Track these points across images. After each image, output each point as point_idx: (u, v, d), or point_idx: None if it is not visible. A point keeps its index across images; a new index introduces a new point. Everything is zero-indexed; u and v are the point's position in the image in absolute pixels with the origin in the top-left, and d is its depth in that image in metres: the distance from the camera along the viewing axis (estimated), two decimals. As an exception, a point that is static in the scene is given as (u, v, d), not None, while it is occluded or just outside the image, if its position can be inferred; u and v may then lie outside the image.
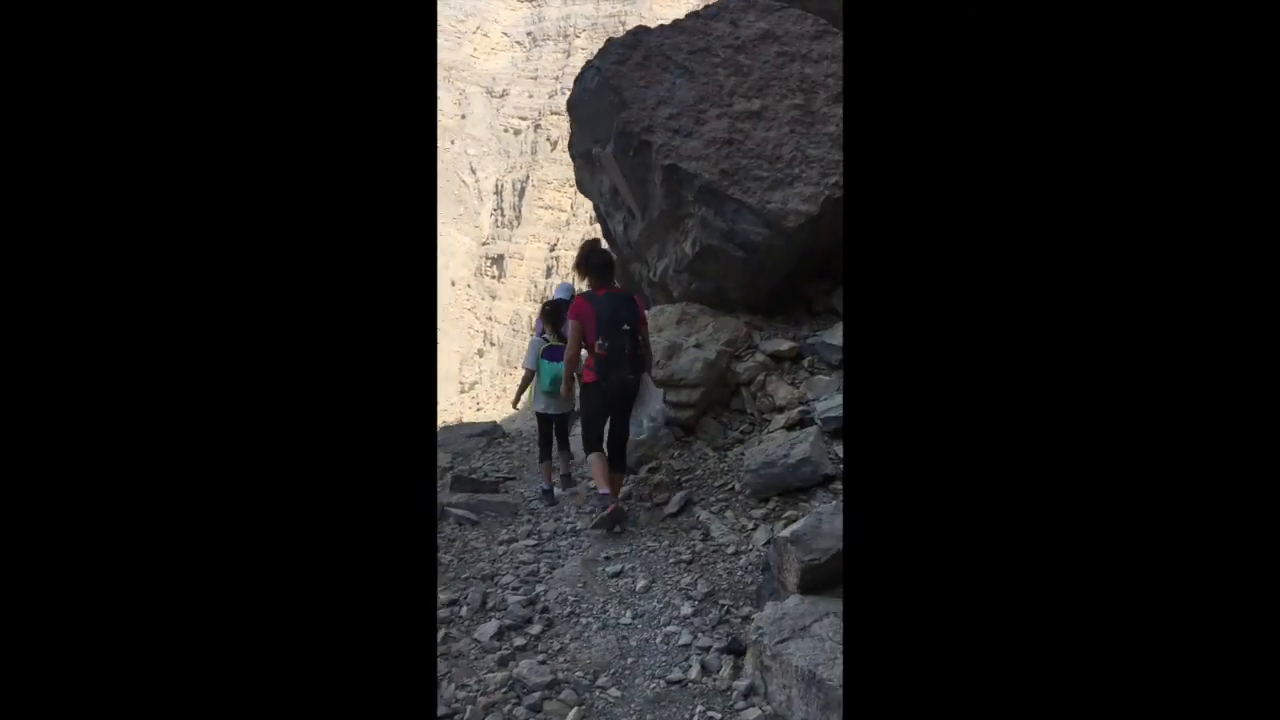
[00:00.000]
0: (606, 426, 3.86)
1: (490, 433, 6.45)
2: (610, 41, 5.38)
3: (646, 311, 4.27)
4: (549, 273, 54.76)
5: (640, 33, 5.47)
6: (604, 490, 3.71)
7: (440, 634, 2.84)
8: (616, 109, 5.05)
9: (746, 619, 2.88)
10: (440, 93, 71.94)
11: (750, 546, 3.45)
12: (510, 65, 71.83)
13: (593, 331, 3.64)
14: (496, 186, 65.06)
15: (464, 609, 3.05)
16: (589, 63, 5.34)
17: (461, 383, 53.36)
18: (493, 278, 59.53)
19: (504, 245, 59.69)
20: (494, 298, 58.04)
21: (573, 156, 5.92)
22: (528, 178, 60.07)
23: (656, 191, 5.04)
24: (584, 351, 3.82)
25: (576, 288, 4.39)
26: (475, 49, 72.06)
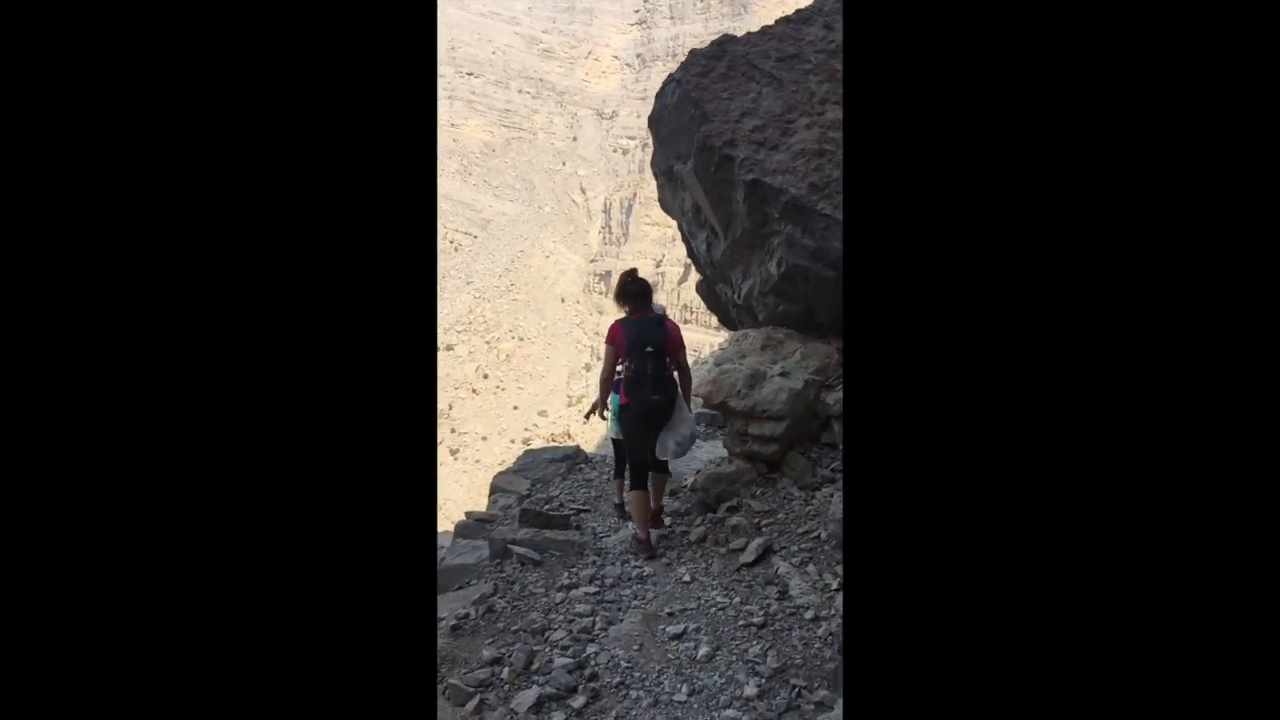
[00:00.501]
0: (647, 449, 3.94)
1: (572, 458, 6.24)
2: (693, 53, 5.07)
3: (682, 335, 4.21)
4: (655, 287, 54.85)
5: (726, 42, 5.12)
6: (639, 534, 3.92)
7: (475, 700, 2.58)
8: (697, 123, 4.72)
9: (821, 707, 2.45)
10: (554, 117, 74.47)
11: (832, 612, 2.99)
12: (620, 87, 73.22)
13: (623, 355, 3.82)
14: (605, 205, 66.29)
15: (506, 670, 2.78)
16: (670, 76, 5.05)
17: (569, 396, 54.40)
18: (600, 293, 60.48)
19: (611, 262, 60.58)
20: (601, 313, 58.92)
21: (656, 175, 5.64)
22: (635, 195, 60.77)
23: (739, 209, 4.67)
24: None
25: (655, 308, 4.29)
26: (587, 73, 74.03)
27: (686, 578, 3.57)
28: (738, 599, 3.27)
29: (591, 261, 63.83)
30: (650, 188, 59.63)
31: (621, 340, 3.81)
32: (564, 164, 70.78)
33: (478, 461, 50.20)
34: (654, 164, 5.68)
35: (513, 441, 51.99)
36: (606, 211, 66.29)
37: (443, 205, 64.98)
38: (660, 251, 57.19)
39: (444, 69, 72.12)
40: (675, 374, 3.89)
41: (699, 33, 67.20)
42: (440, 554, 4.13)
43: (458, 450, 53.51)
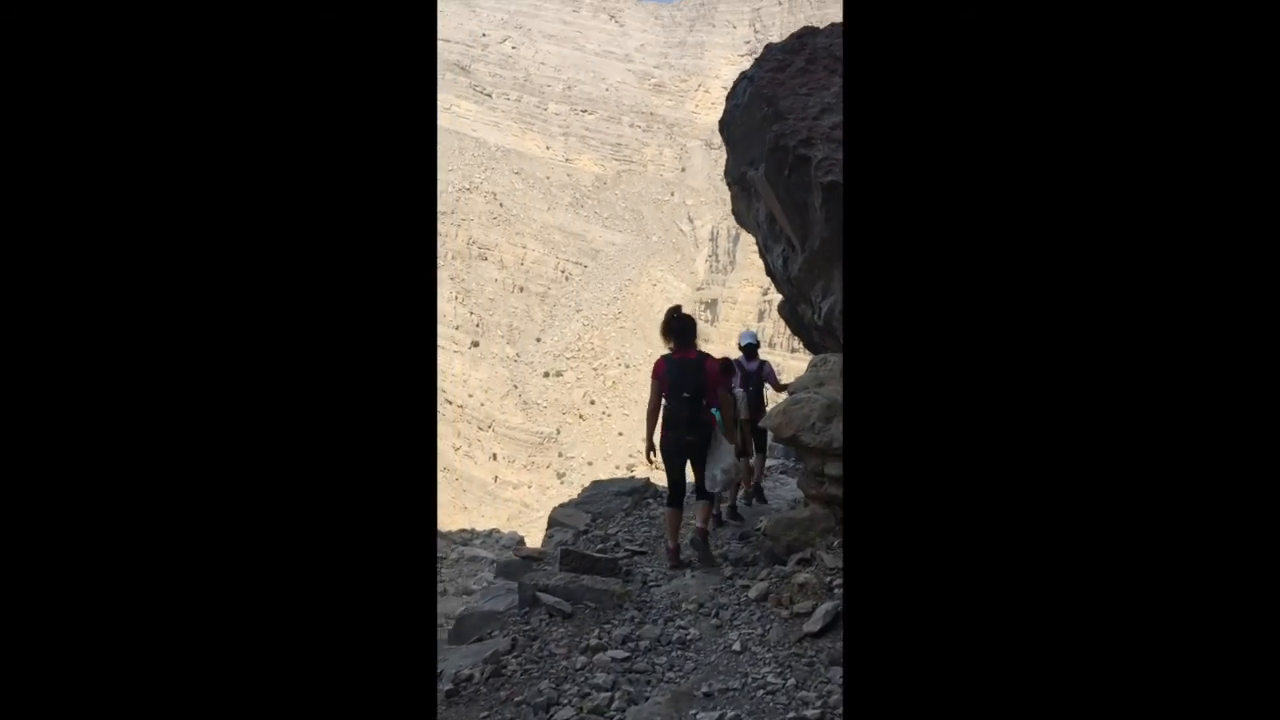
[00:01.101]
0: (689, 478, 4.18)
1: (640, 491, 5.75)
2: (769, 47, 4.55)
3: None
4: (761, 315, 53.80)
5: (805, 34, 4.57)
6: (669, 543, 4.14)
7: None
8: (770, 121, 4.18)
9: None
10: (663, 149, 75.38)
11: (910, 711, 2.32)
12: (729, 117, 73.17)
13: (665, 393, 4.00)
14: (712, 233, 65.98)
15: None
16: (742, 74, 4.54)
17: (673, 424, 53.92)
18: (707, 321, 59.92)
19: (718, 290, 60.01)
20: (708, 341, 58.21)
21: (729, 185, 5.12)
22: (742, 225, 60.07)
23: (817, 216, 4.07)
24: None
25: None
26: (696, 105, 74.57)
27: (736, 646, 2.98)
28: (792, 681, 2.64)
29: (698, 290, 63.52)
30: (758, 215, 59.13)
31: (664, 378, 4.00)
32: (672, 194, 71.26)
33: (583, 487, 50.68)
34: (727, 173, 5.17)
35: (617, 467, 52.00)
36: (713, 240, 65.94)
37: (554, 237, 66.92)
38: (766, 280, 55.98)
39: (559, 107, 74.87)
40: (716, 408, 4.08)
41: (809, 60, 66.25)
42: (474, 597, 3.74)
43: (564, 474, 54.16)
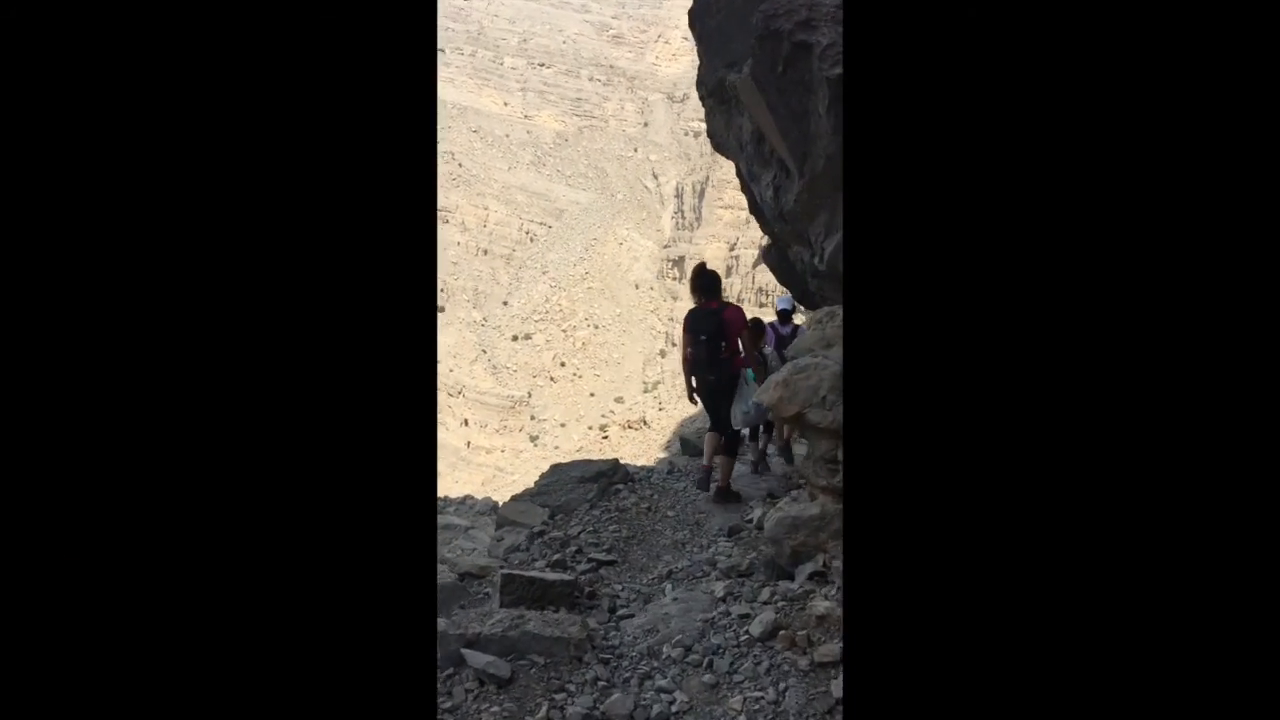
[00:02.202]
0: (721, 414, 4.37)
1: (607, 475, 4.81)
2: (750, -88, 3.46)
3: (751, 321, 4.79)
4: (729, 271, 52.82)
5: (797, -106, 3.48)
6: (704, 463, 4.55)
7: None
8: (754, 2, 3.12)
9: None
10: (624, 104, 72.84)
11: None
12: (690, 69, 70.75)
13: (688, 336, 4.33)
14: (677, 190, 64.39)
15: None
16: (718, -55, 3.46)
17: (645, 383, 53.15)
18: (674, 279, 58.82)
19: (685, 247, 58.74)
20: (675, 299, 57.27)
21: (702, 98, 4.07)
22: (707, 179, 58.59)
23: (821, 125, 3.07)
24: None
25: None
26: (657, 57, 72.06)
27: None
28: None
29: (665, 247, 62.08)
30: (723, 169, 57.51)
31: (688, 325, 4.32)
32: (636, 150, 69.06)
33: (557, 448, 49.81)
34: (700, 82, 4.11)
35: (590, 428, 51.25)
36: (679, 196, 64.25)
37: (517, 197, 64.62)
38: (734, 235, 54.84)
39: (515, 61, 71.56)
40: (740, 355, 4.23)
41: (771, 7, 64.04)
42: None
43: (537, 437, 53.27)
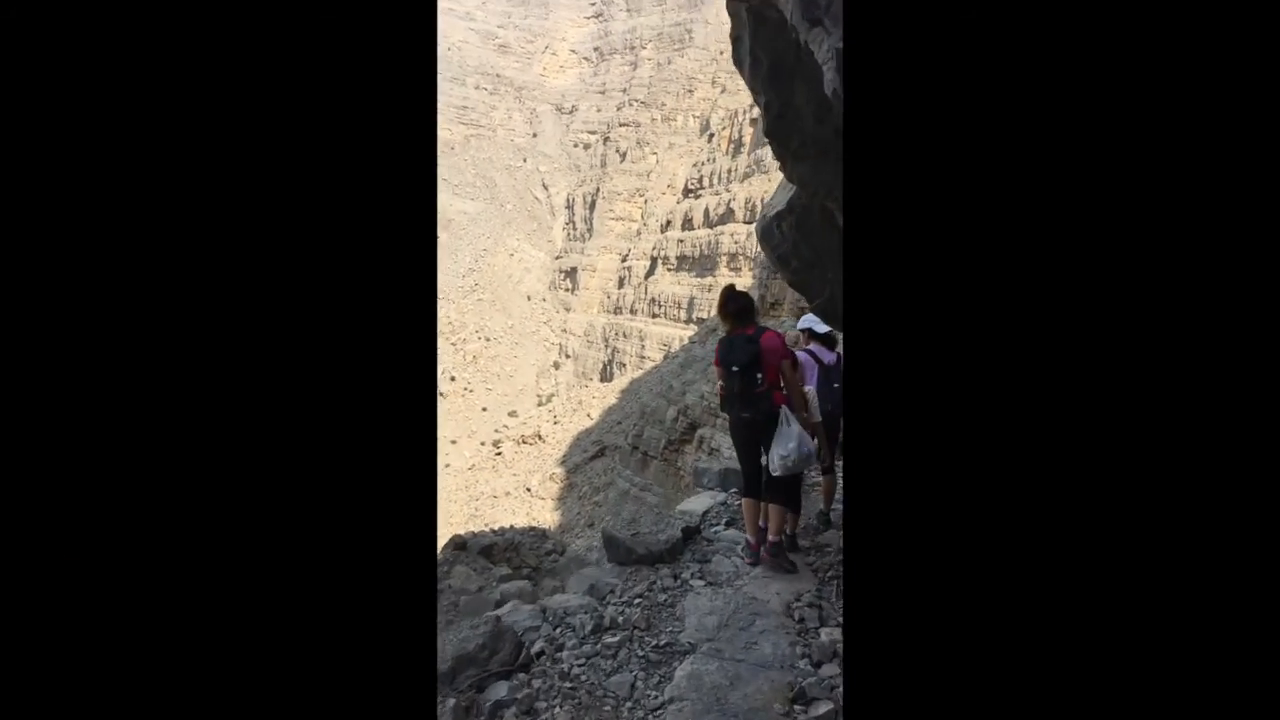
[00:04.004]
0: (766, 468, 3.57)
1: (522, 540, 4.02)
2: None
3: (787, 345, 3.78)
4: (621, 283, 52.67)
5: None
6: (750, 538, 3.71)
7: None
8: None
9: None
10: (512, 113, 71.43)
11: None
12: (578, 81, 70.48)
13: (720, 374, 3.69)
14: (568, 201, 63.68)
15: None
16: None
17: (539, 395, 51.89)
18: (567, 290, 58.00)
19: (577, 258, 58.05)
20: (568, 310, 56.45)
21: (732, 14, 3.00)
22: (598, 190, 58.26)
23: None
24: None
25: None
26: (544, 68, 71.14)
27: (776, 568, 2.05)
28: None
29: (556, 258, 61.16)
30: (613, 181, 57.38)
31: (719, 360, 3.65)
32: (525, 160, 67.76)
33: (447, 466, 47.66)
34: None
35: (483, 444, 49.41)
36: (570, 207, 63.58)
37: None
38: (625, 246, 54.87)
39: (398, 66, 68.26)
40: (780, 389, 3.53)
41: (656, 25, 64.75)
42: None
43: (427, 455, 50.74)
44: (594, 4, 72.36)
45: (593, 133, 65.00)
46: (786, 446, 3.38)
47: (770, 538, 3.57)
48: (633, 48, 66.30)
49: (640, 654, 2.62)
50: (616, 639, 2.69)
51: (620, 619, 2.88)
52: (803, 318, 4.27)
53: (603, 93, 65.99)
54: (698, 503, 4.46)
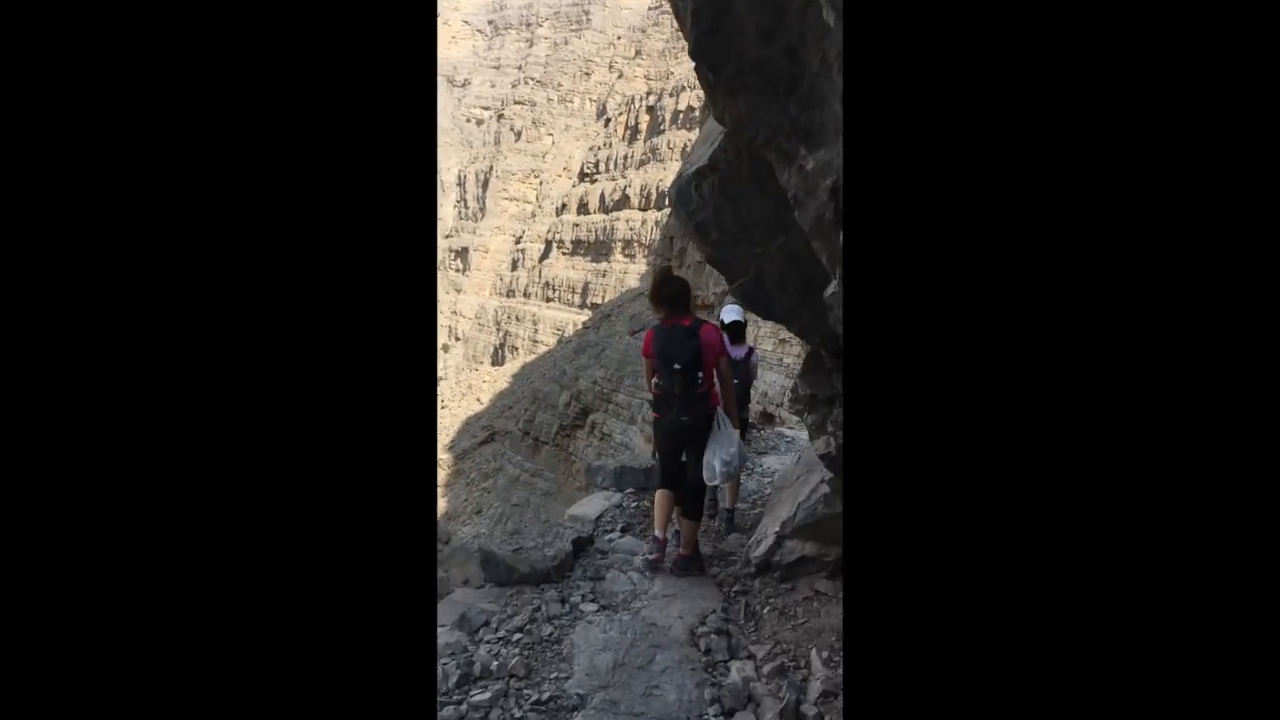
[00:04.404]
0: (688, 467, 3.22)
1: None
2: None
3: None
4: (514, 265, 51.15)
5: None
6: (656, 532, 3.21)
7: None
8: None
9: None
10: (400, 82, 67.31)
11: None
12: (472, 54, 67.54)
13: (654, 368, 3.22)
14: (459, 178, 61.02)
15: None
16: None
17: (426, 379, 49.54)
18: (457, 271, 55.68)
19: (468, 238, 55.80)
20: (459, 291, 54.24)
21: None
22: (491, 169, 56.17)
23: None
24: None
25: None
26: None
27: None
28: None
29: (447, 237, 58.47)
30: (507, 160, 55.48)
31: (653, 351, 3.15)
32: (414, 133, 64.22)
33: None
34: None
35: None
36: (461, 185, 60.92)
37: (276, 173, 56.69)
38: (519, 227, 53.25)
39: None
40: (715, 386, 3.15)
41: (553, 3, 62.97)
42: None
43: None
44: (489, -25, 69.43)
45: (486, 108, 62.54)
46: (728, 451, 3.03)
47: (682, 551, 3.21)
48: (529, 24, 64.18)
49: (517, 715, 2.07)
50: (488, 695, 2.14)
51: (494, 665, 2.33)
52: (728, 306, 4.04)
53: (497, 68, 63.54)
54: (591, 505, 3.95)
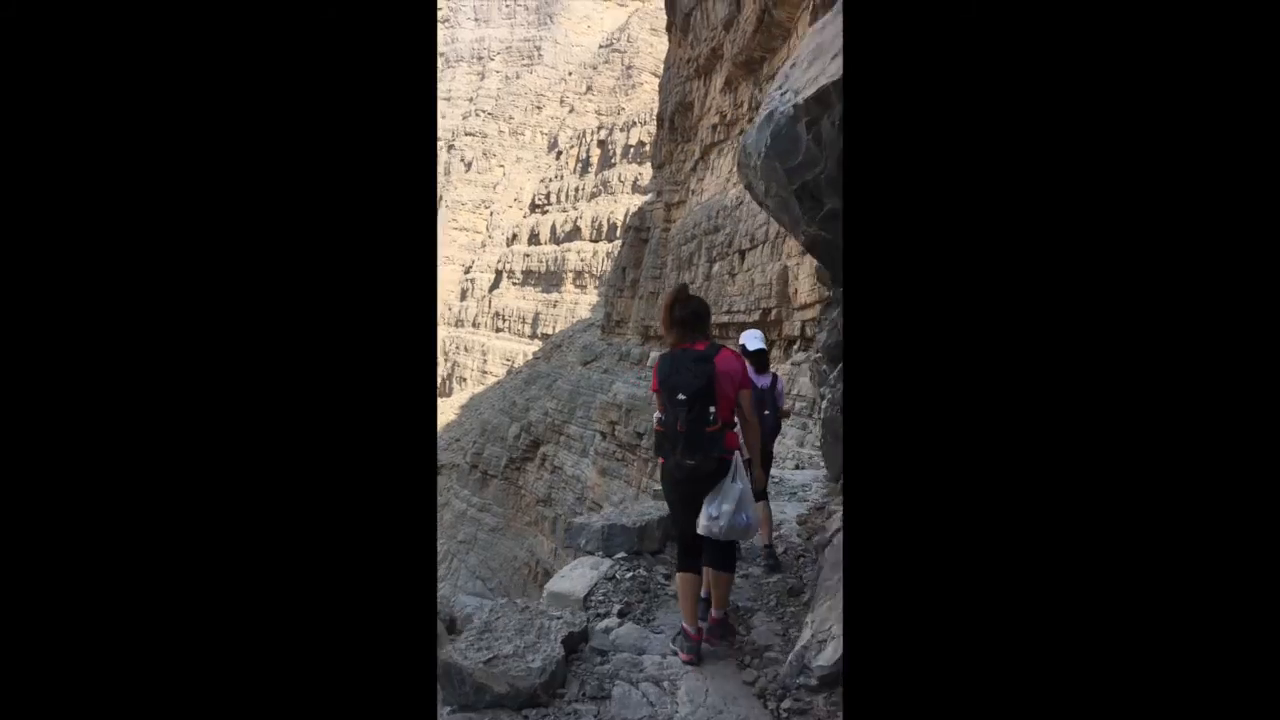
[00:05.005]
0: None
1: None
2: None
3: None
4: (464, 295, 49.78)
5: None
6: (686, 625, 2.48)
7: None
8: None
9: None
10: (348, 111, 65.77)
11: None
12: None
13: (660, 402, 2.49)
14: (408, 207, 59.51)
15: None
16: None
17: (369, 411, 47.35)
18: (404, 300, 53.87)
19: (416, 267, 54.16)
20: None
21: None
22: (441, 199, 54.95)
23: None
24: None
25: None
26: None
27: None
28: None
29: (393, 266, 56.73)
30: (457, 191, 54.41)
31: (658, 382, 2.47)
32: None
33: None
34: None
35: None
36: (409, 214, 59.45)
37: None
38: (469, 257, 52.02)
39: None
40: (734, 428, 2.48)
41: (504, 37, 62.82)
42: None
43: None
44: (440, 10, 68.92)
45: (437, 140, 61.47)
46: (719, 508, 2.35)
47: (714, 613, 2.53)
48: (480, 58, 63.77)
49: None
50: None
51: None
52: (749, 332, 3.55)
53: (448, 99, 62.68)
54: (576, 579, 3.12)
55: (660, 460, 2.59)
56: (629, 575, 3.21)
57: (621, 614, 2.86)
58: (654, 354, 20.12)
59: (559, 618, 2.59)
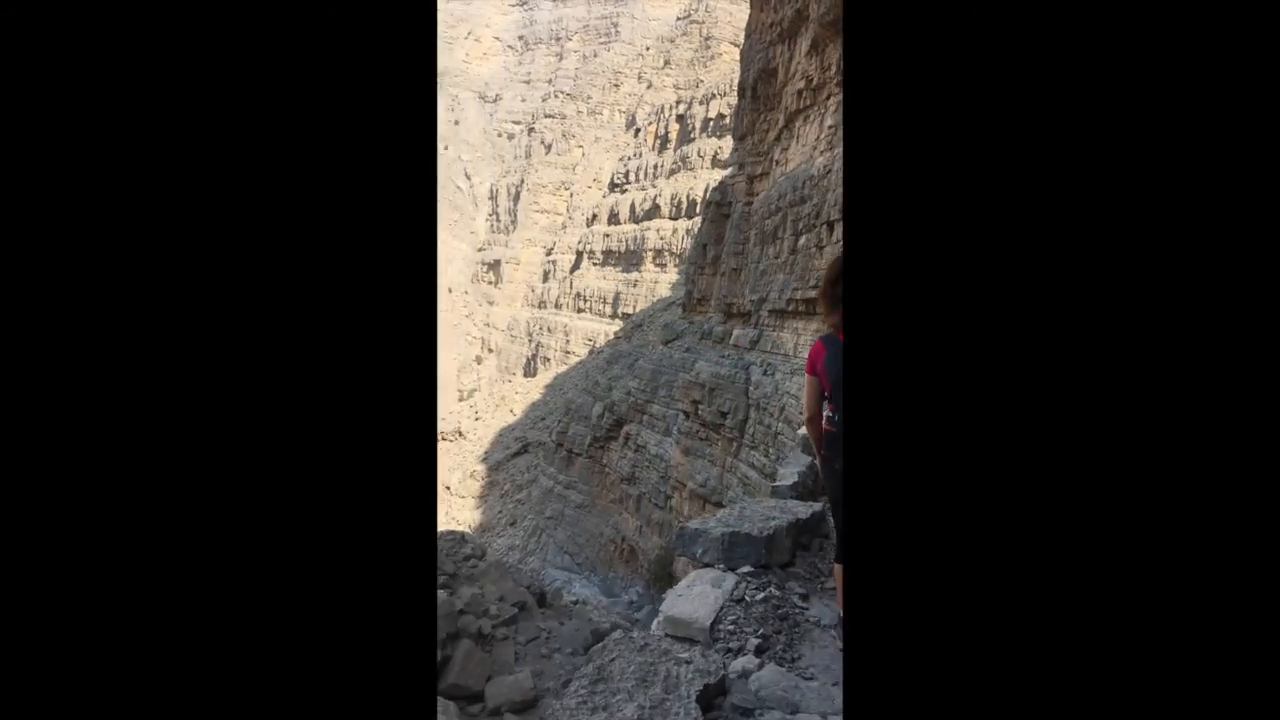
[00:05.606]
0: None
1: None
2: None
3: None
4: (546, 277, 50.22)
5: None
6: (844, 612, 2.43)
7: None
8: None
9: None
10: (434, 100, 67.26)
11: None
12: (503, 70, 67.16)
13: (826, 391, 2.17)
14: (491, 192, 60.45)
15: None
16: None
17: (460, 390, 48.73)
18: (490, 283, 54.95)
19: (500, 250, 55.07)
20: (491, 303, 53.47)
21: None
22: (522, 182, 55.43)
23: None
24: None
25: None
26: (468, 54, 67.36)
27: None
28: None
29: (479, 250, 57.81)
30: (538, 173, 54.65)
31: (823, 370, 2.14)
32: (446, 148, 63.87)
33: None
34: None
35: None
36: (493, 198, 60.24)
37: (313, 190, 56.78)
38: (550, 239, 52.32)
39: (310, 44, 63.08)
40: None
41: (582, 16, 62.29)
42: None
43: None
44: (519, -7, 69.10)
45: (517, 123, 61.95)
46: None
47: None
48: (558, 38, 63.55)
49: None
50: None
51: None
52: None
53: (527, 82, 62.97)
54: (697, 601, 2.60)
55: (823, 458, 2.17)
56: (760, 597, 2.66)
57: (759, 650, 2.32)
58: (736, 333, 19.23)
59: (686, 660, 2.07)
